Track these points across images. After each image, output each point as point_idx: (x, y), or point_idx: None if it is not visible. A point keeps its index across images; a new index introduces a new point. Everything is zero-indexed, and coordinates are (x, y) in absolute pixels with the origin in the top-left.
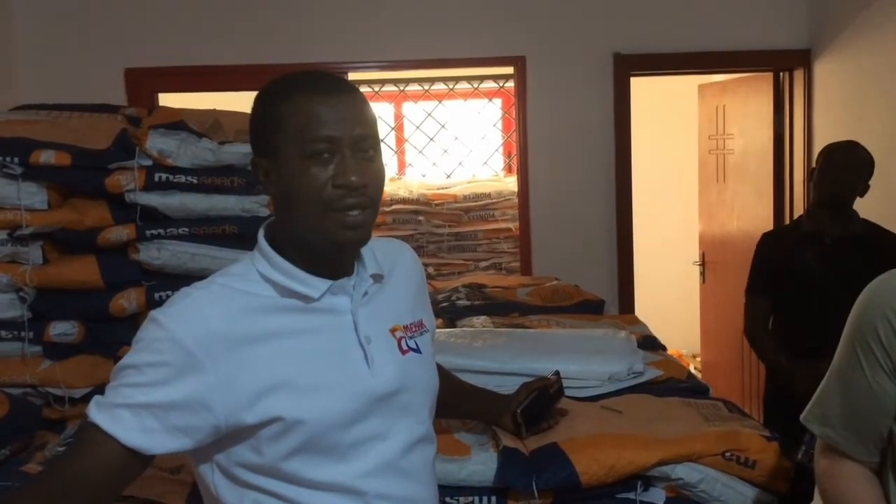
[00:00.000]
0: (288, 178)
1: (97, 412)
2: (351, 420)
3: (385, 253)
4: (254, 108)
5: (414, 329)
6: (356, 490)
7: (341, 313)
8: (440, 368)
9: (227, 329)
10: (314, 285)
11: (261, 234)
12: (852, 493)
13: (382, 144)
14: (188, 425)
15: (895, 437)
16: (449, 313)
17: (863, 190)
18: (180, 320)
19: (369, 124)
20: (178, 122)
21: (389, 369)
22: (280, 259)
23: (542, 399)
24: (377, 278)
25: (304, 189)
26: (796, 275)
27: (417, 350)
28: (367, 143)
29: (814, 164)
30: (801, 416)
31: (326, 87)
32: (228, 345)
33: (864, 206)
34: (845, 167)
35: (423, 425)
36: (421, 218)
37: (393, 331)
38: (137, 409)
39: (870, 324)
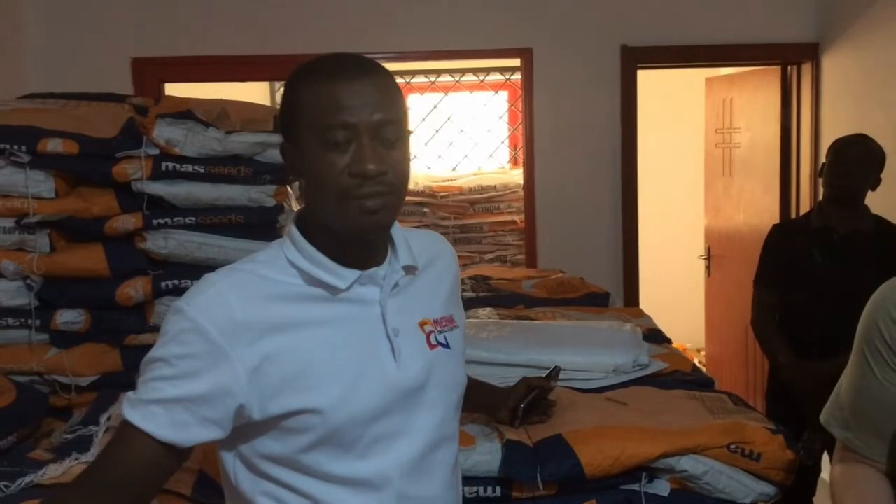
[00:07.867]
0: (309, 165)
1: (130, 409)
2: (374, 415)
3: (423, 246)
4: (282, 94)
5: (444, 324)
6: (374, 486)
7: (370, 304)
8: None
9: (252, 318)
10: (342, 275)
11: (291, 220)
12: (865, 498)
13: None
14: (219, 416)
15: None
16: None
17: (874, 184)
18: (205, 310)
19: (392, 109)
20: (186, 112)
21: (416, 363)
22: (309, 247)
23: (541, 397)
24: (410, 270)
25: (322, 177)
26: (802, 272)
27: (446, 345)
28: (388, 129)
29: (823, 159)
30: (821, 419)
31: (346, 70)
32: (253, 334)
33: (872, 202)
34: (855, 160)
35: (448, 423)
36: (426, 210)
37: (422, 324)
38: (169, 404)
39: (873, 323)
